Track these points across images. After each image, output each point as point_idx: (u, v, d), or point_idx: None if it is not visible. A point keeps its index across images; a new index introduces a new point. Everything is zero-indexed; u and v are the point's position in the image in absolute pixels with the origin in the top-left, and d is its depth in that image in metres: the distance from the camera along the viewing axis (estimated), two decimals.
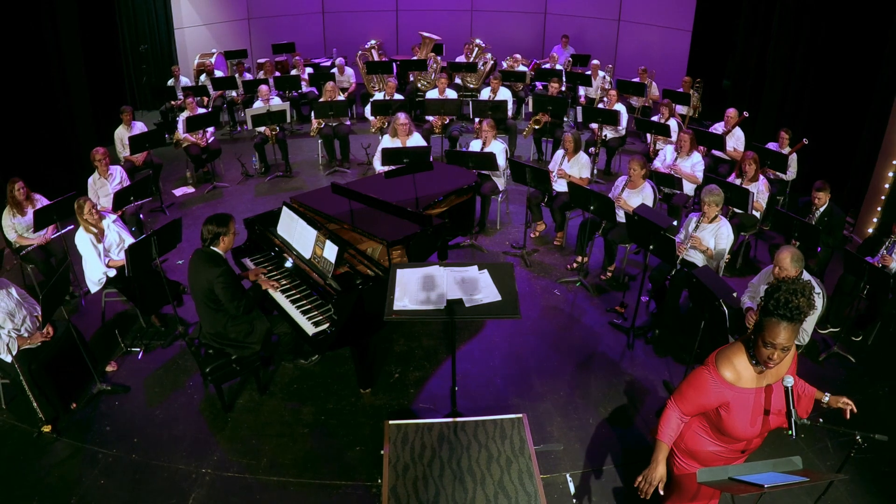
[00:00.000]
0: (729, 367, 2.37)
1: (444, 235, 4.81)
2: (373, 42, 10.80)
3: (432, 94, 8.45)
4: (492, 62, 10.26)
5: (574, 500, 3.54)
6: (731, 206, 5.49)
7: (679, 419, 2.55)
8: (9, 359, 3.81)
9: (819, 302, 3.82)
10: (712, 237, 4.64)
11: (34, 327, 4.02)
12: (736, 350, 2.40)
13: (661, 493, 2.52)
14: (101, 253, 4.75)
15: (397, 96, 8.38)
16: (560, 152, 6.19)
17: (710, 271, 4.17)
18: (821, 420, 2.47)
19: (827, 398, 2.49)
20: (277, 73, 9.96)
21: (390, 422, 3.16)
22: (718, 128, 7.19)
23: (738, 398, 2.36)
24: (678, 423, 2.56)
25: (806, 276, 3.83)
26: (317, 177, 8.04)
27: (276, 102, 8.14)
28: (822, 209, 5.17)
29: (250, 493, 3.56)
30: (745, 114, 7.18)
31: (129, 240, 4.88)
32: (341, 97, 8.59)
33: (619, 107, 7.81)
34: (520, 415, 3.23)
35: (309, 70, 10.33)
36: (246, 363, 4.01)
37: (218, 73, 9.95)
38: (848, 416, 2.44)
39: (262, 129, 7.81)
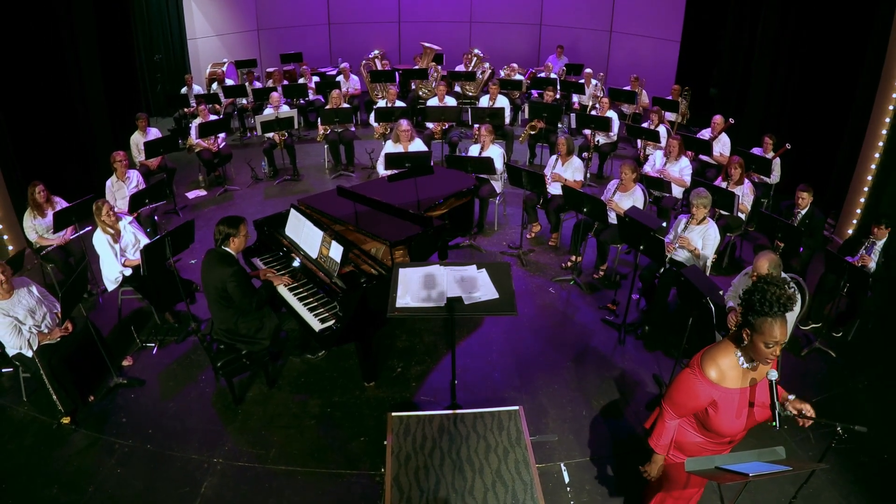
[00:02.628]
0: (713, 367, 2.34)
1: (444, 236, 4.80)
2: (376, 52, 10.80)
3: (433, 102, 8.45)
4: (490, 71, 10.26)
5: (568, 489, 3.54)
6: (717, 208, 5.49)
7: (674, 426, 2.55)
8: (30, 353, 3.81)
9: (799, 299, 3.82)
10: (700, 238, 4.64)
11: (54, 324, 4.02)
12: (721, 350, 2.38)
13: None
14: (117, 253, 4.75)
15: (399, 104, 8.38)
16: (555, 156, 6.18)
17: (698, 270, 4.17)
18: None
19: (791, 398, 2.46)
20: (286, 82, 9.96)
21: (393, 414, 3.16)
22: (705, 134, 7.18)
23: (724, 397, 2.34)
24: (674, 430, 2.56)
25: (785, 277, 3.83)
26: (323, 180, 8.03)
27: (285, 109, 8.14)
28: (804, 211, 5.16)
29: (260, 482, 3.57)
30: (731, 120, 7.18)
31: (144, 240, 4.88)
32: (346, 105, 8.59)
33: (611, 114, 7.81)
34: (516, 407, 3.23)
35: (316, 79, 10.33)
36: (256, 358, 4.02)
37: (229, 82, 9.95)
38: (801, 424, 2.42)
39: (271, 134, 7.80)
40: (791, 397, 2.45)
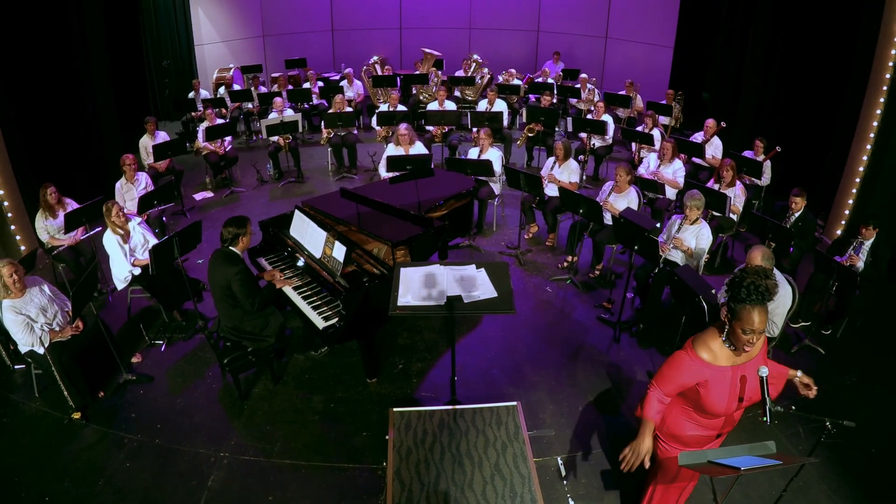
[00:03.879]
0: (705, 349, 2.38)
1: (444, 236, 4.80)
2: (376, 58, 10.79)
3: (433, 106, 8.44)
4: (488, 76, 10.25)
5: (565, 482, 3.54)
6: (710, 209, 5.49)
7: (659, 400, 2.54)
8: (41, 350, 3.81)
9: (788, 296, 3.82)
10: (693, 238, 4.64)
11: (65, 322, 4.02)
12: (710, 334, 2.42)
13: (647, 465, 2.42)
14: (127, 253, 4.75)
15: (401, 108, 8.38)
16: (552, 159, 6.18)
17: (691, 270, 4.17)
18: (793, 407, 2.48)
19: (798, 375, 2.54)
20: (290, 87, 9.95)
21: (394, 409, 3.16)
22: (698, 137, 7.19)
23: (716, 375, 2.37)
24: (659, 405, 2.56)
25: (777, 273, 3.83)
26: (327, 182, 8.03)
27: (289, 113, 8.14)
28: (797, 214, 5.16)
29: (265, 476, 3.57)
30: (723, 124, 7.18)
31: (153, 241, 4.88)
32: (349, 109, 8.59)
33: (607, 117, 7.81)
34: (514, 402, 3.22)
35: (319, 83, 10.34)
36: (261, 355, 4.01)
37: (235, 87, 9.94)
38: (811, 396, 2.51)
39: (275, 138, 7.80)
40: (798, 373, 2.54)
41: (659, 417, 2.56)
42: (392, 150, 6.61)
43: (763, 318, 2.21)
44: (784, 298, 3.80)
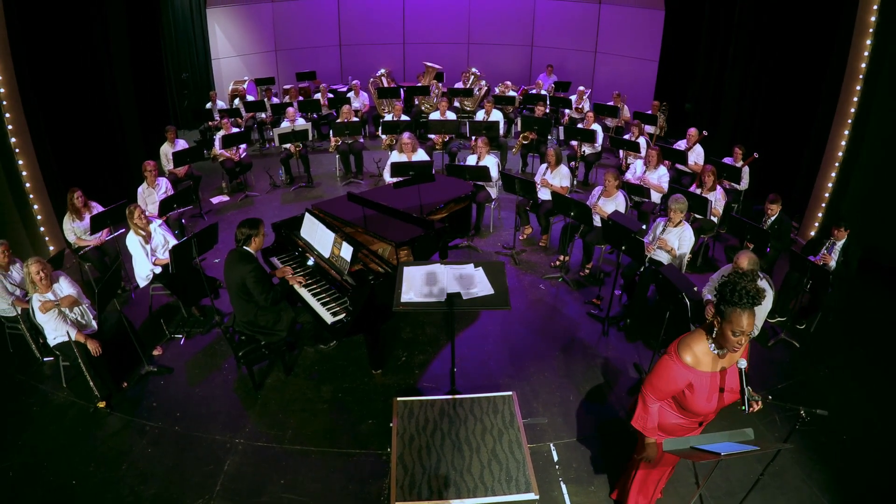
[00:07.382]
0: (688, 353, 2.35)
1: (444, 237, 4.80)
2: (383, 70, 10.78)
3: (434, 116, 8.44)
4: (486, 88, 10.23)
5: (557, 466, 3.54)
6: (692, 212, 5.49)
7: (657, 410, 2.55)
8: (74, 335, 3.79)
9: (768, 296, 3.82)
10: (677, 239, 4.64)
11: (92, 314, 4.01)
12: (696, 337, 2.38)
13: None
14: (148, 253, 4.75)
15: (404, 117, 8.37)
16: (544, 165, 6.18)
17: (675, 269, 4.17)
18: (770, 397, 2.48)
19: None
20: (301, 98, 9.94)
21: (398, 399, 3.16)
22: (681, 145, 7.18)
23: (699, 380, 2.35)
24: (656, 414, 2.56)
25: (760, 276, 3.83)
26: (335, 187, 8.03)
27: (300, 123, 8.13)
28: (773, 218, 5.17)
29: (277, 461, 3.57)
30: (705, 133, 7.18)
31: (173, 241, 4.88)
32: (356, 118, 8.59)
33: (596, 126, 7.80)
34: (510, 392, 3.23)
35: (328, 95, 10.33)
36: (274, 348, 4.02)
37: (249, 98, 9.93)
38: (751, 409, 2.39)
39: (287, 145, 7.79)
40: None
41: (655, 428, 2.59)
42: (396, 156, 6.60)
43: (751, 321, 2.19)
44: (766, 299, 3.80)
